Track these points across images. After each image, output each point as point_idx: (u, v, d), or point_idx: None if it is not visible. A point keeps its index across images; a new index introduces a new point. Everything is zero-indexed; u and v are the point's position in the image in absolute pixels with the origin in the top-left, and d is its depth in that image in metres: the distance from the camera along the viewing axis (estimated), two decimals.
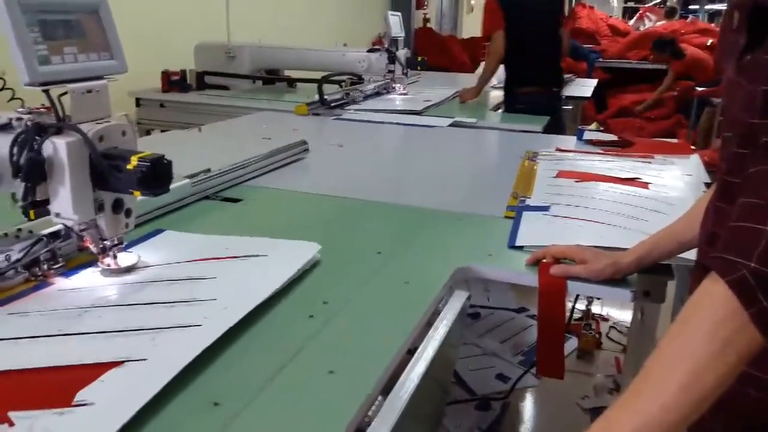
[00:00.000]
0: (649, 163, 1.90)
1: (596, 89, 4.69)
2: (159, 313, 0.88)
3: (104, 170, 0.89)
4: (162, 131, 2.98)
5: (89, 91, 0.95)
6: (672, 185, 1.64)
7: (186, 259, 1.07)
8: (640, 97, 6.87)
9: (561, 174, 1.72)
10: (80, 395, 0.68)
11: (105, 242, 0.97)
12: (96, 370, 0.73)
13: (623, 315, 2.86)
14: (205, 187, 1.47)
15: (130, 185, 0.88)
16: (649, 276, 1.14)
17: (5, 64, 2.77)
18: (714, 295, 0.58)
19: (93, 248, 0.97)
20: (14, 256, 0.97)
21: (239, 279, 1.00)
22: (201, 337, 0.81)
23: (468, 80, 4.22)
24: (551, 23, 3.44)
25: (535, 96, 3.32)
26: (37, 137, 0.89)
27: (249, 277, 1.00)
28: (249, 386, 0.74)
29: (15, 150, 0.89)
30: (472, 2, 9.83)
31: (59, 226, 1.01)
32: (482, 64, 3.77)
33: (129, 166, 0.87)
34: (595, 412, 2.26)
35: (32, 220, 0.96)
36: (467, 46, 7.19)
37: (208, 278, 0.99)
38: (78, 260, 1.04)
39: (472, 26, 8.91)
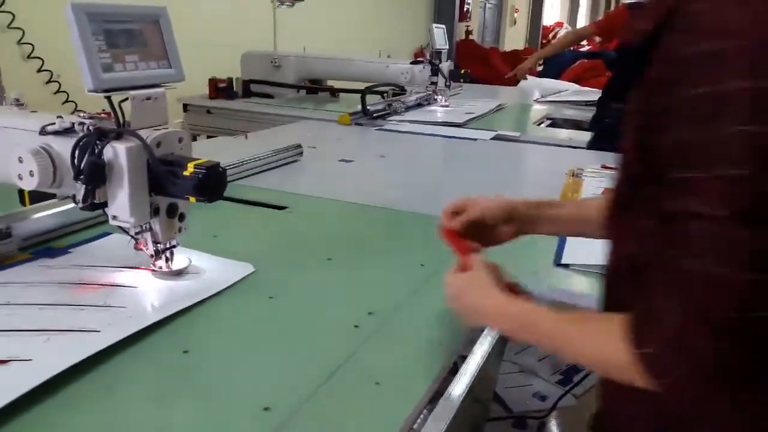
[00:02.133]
0: None
1: None
2: (63, 315, 0.90)
3: (161, 175, 0.91)
4: (208, 137, 3.04)
5: (148, 99, 0.97)
6: None
7: (116, 265, 1.08)
8: None
9: (606, 191, 1.69)
10: None
11: (159, 245, 0.99)
12: None
13: None
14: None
15: (186, 191, 0.90)
16: None
17: (60, 68, 2.87)
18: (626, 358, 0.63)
19: (147, 251, 1.00)
20: None
21: (158, 291, 1.00)
22: (93, 342, 0.82)
23: (509, 93, 4.21)
24: None
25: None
26: (98, 142, 0.92)
27: (169, 290, 1.00)
28: (298, 393, 0.75)
29: (77, 153, 0.92)
30: (515, 15, 9.80)
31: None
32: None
33: (186, 173, 0.90)
34: None
35: None
36: (509, 58, 7.16)
37: (127, 286, 1.00)
38: (15, 258, 1.10)
39: (514, 39, 8.86)
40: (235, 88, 3.44)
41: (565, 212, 0.98)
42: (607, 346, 0.66)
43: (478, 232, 0.95)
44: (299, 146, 2.00)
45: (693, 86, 0.57)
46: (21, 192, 1.20)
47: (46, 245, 1.17)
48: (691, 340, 0.58)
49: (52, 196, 1.13)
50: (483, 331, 0.96)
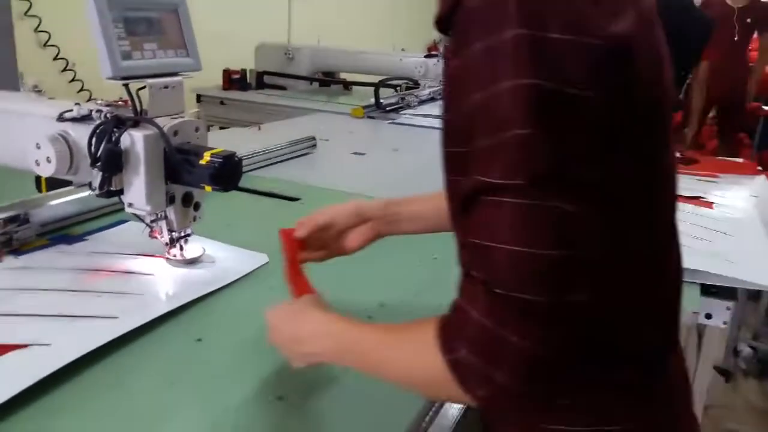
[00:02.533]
0: (714, 182, 1.85)
1: None
2: (81, 301, 0.91)
3: (178, 164, 0.91)
4: (221, 128, 3.05)
5: (166, 87, 0.98)
6: (739, 206, 1.59)
7: (131, 252, 1.09)
8: None
9: None
10: None
11: (173, 233, 0.99)
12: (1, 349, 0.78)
13: None
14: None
15: (202, 180, 0.90)
16: (713, 299, 1.12)
17: (76, 57, 2.87)
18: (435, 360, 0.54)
19: (162, 239, 1.00)
20: None
21: (173, 279, 1.01)
22: (111, 329, 0.83)
23: None
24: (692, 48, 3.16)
25: None
26: (115, 129, 0.92)
27: (184, 279, 1.01)
28: (312, 384, 0.75)
29: (94, 140, 0.92)
30: None
31: (18, 212, 1.10)
32: None
33: (202, 161, 0.90)
34: None
35: None
36: None
37: (144, 274, 1.01)
38: (33, 244, 1.11)
39: None
40: (248, 80, 3.44)
41: (427, 207, 0.90)
42: (420, 358, 0.56)
43: (333, 238, 0.89)
44: (313, 138, 2.00)
45: (473, 42, 0.51)
46: (38, 179, 1.21)
47: (62, 232, 1.19)
48: (499, 340, 0.50)
49: (68, 183, 1.14)
50: None
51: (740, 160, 2.45)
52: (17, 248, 1.08)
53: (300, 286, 0.81)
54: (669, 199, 0.63)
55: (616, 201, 0.53)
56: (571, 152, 0.50)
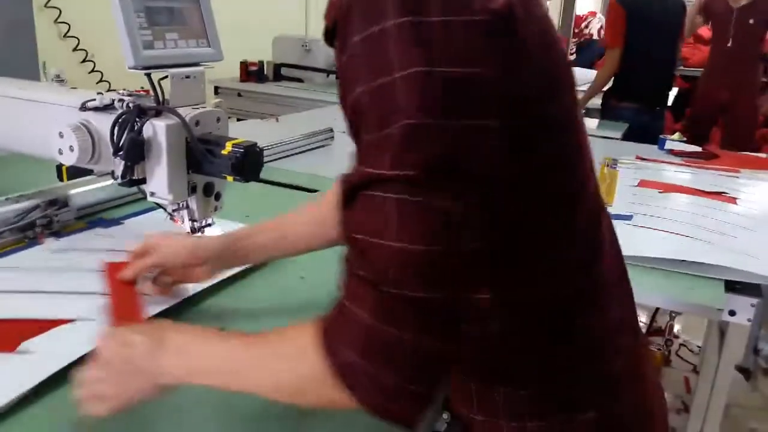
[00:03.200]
0: (736, 177, 1.82)
1: (675, 98, 4.51)
2: None
3: (199, 154, 0.91)
4: (238, 120, 3.06)
5: (187, 77, 0.97)
6: (762, 201, 1.57)
7: None
8: None
9: (643, 183, 1.66)
10: (24, 345, 0.78)
11: (195, 223, 0.99)
12: (48, 324, 0.83)
13: (693, 334, 2.75)
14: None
15: (224, 170, 0.90)
16: (737, 295, 1.10)
17: (95, 48, 2.88)
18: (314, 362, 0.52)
19: (183, 228, 1.00)
20: (11, 219, 1.09)
21: None
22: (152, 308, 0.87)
23: None
24: (671, 36, 3.15)
25: (630, 113, 3.05)
26: (137, 119, 0.92)
27: None
28: None
29: (116, 130, 0.92)
30: (546, 4, 9.65)
31: (57, 195, 1.15)
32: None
33: (223, 152, 0.90)
34: None
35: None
36: None
37: None
38: (73, 227, 1.17)
39: None
40: (265, 72, 3.45)
41: (267, 237, 0.90)
42: (296, 364, 0.54)
43: (171, 272, 0.89)
44: (331, 130, 1.99)
45: (354, 35, 0.49)
46: (59, 168, 1.21)
47: (98, 216, 1.24)
48: (388, 340, 0.48)
49: (89, 172, 1.14)
50: None
51: (762, 155, 2.41)
52: (58, 231, 1.14)
53: (129, 314, 0.83)
54: (580, 175, 0.59)
55: (513, 188, 0.51)
56: (463, 139, 0.47)
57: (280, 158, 1.77)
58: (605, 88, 3.25)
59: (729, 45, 3.71)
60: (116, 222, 1.23)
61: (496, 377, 0.60)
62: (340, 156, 2.02)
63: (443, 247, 0.47)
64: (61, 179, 1.22)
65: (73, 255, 1.07)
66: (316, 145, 1.93)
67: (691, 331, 2.81)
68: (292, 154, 1.83)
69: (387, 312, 0.48)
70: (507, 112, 0.49)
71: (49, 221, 1.14)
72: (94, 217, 1.23)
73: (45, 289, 0.95)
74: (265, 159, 1.64)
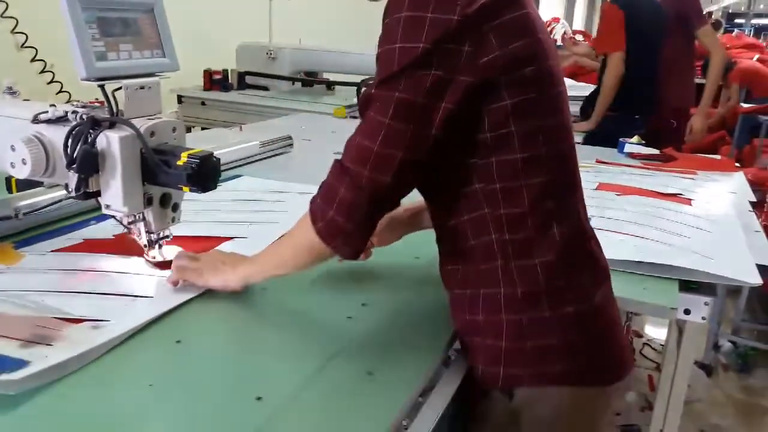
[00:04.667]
0: (693, 179, 1.87)
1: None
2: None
3: (155, 165, 0.91)
4: (202, 129, 3.03)
5: (142, 88, 0.97)
6: (716, 202, 1.61)
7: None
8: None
9: (601, 186, 1.70)
10: None
11: (152, 235, 0.99)
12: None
13: (657, 332, 2.81)
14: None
15: (179, 181, 0.90)
16: (692, 294, 1.13)
17: (54, 59, 2.83)
18: (309, 226, 0.83)
19: (140, 241, 0.99)
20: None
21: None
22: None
23: None
24: (657, 41, 3.09)
25: (608, 119, 2.94)
26: (91, 130, 0.91)
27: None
28: (290, 383, 0.75)
29: (70, 142, 0.91)
30: None
31: None
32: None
33: (179, 162, 0.89)
34: (626, 429, 2.22)
35: None
36: None
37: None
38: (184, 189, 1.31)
39: None
40: (230, 80, 3.43)
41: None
42: (304, 230, 0.83)
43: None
44: (289, 137, 1.99)
45: (389, 15, 0.77)
46: (9, 180, 1.20)
47: None
48: (336, 191, 0.78)
49: (40, 184, 1.13)
50: None
51: (718, 157, 2.48)
52: None
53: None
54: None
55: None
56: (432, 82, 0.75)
57: (238, 166, 1.76)
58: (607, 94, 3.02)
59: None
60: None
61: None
62: (303, 164, 2.01)
63: (384, 149, 0.78)
64: (10, 191, 1.20)
65: None
66: (272, 154, 1.92)
67: (657, 331, 2.87)
68: (253, 161, 1.82)
69: (338, 176, 0.80)
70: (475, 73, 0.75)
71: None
72: None
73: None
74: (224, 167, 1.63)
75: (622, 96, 2.94)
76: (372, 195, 0.78)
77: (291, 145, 1.99)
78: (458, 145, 0.80)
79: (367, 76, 3.11)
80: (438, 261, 0.91)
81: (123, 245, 1.10)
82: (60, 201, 1.21)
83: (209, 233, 1.21)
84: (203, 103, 3.21)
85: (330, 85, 3.70)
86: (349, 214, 0.79)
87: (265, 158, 1.88)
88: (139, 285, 0.98)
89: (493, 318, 0.82)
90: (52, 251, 1.10)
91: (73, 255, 1.09)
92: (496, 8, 0.75)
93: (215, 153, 0.93)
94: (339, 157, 0.81)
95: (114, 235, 1.16)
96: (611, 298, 0.89)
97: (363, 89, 2.84)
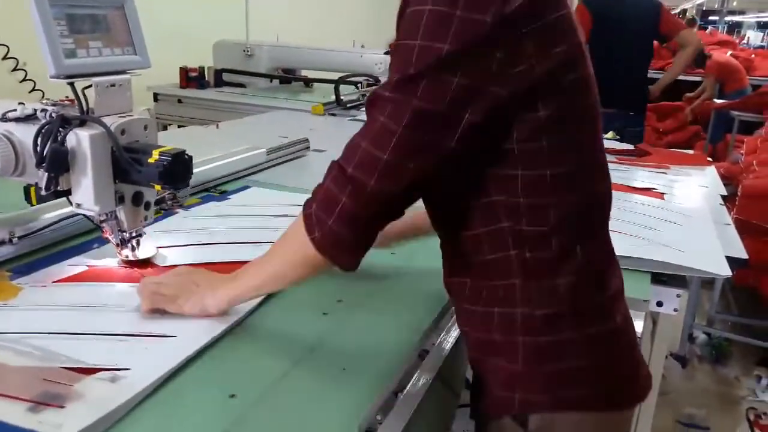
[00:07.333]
0: (665, 173, 1.90)
1: None
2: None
3: (126, 163, 0.90)
4: (179, 126, 3.00)
5: (113, 85, 0.96)
6: (687, 196, 1.64)
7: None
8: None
9: None
10: None
11: (124, 234, 0.98)
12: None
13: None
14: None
15: (151, 178, 0.89)
16: (663, 287, 1.15)
17: (27, 56, 2.78)
18: (303, 236, 0.75)
19: (112, 239, 0.99)
20: None
21: None
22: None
23: None
24: (644, 38, 3.11)
25: (604, 118, 2.98)
26: (61, 129, 0.90)
27: None
28: (264, 380, 0.75)
29: (39, 140, 0.90)
30: None
31: None
32: None
33: (150, 160, 0.89)
34: None
35: None
36: None
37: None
38: (191, 201, 1.40)
39: None
40: (206, 78, 3.40)
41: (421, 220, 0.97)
42: (296, 241, 0.76)
43: None
44: (306, 140, 1.97)
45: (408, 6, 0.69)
46: (27, 189, 1.04)
47: (207, 193, 1.48)
48: (336, 200, 0.72)
49: (61, 195, 1.05)
50: (452, 317, 0.97)
51: (691, 151, 2.52)
52: (183, 204, 1.35)
53: None
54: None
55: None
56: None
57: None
58: None
59: None
60: (224, 197, 1.46)
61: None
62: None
63: (394, 157, 0.71)
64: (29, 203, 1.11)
65: (203, 222, 1.28)
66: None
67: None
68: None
69: (339, 184, 0.73)
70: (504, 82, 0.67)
71: (174, 196, 1.33)
72: (204, 193, 1.47)
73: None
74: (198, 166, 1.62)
75: (605, 92, 2.96)
76: (377, 205, 0.71)
77: (308, 147, 1.96)
78: (478, 155, 0.72)
79: (345, 73, 3.11)
80: (441, 271, 0.85)
81: (133, 275, 1.00)
82: (59, 221, 1.10)
83: (236, 258, 1.07)
84: (180, 101, 3.18)
85: (308, 82, 3.69)
86: (350, 225, 0.72)
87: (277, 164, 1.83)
88: (158, 322, 0.85)
89: (508, 338, 0.76)
90: (53, 282, 0.96)
91: (79, 286, 0.96)
92: (538, 8, 0.66)
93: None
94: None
95: (122, 264, 1.03)
96: (628, 316, 0.83)
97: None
